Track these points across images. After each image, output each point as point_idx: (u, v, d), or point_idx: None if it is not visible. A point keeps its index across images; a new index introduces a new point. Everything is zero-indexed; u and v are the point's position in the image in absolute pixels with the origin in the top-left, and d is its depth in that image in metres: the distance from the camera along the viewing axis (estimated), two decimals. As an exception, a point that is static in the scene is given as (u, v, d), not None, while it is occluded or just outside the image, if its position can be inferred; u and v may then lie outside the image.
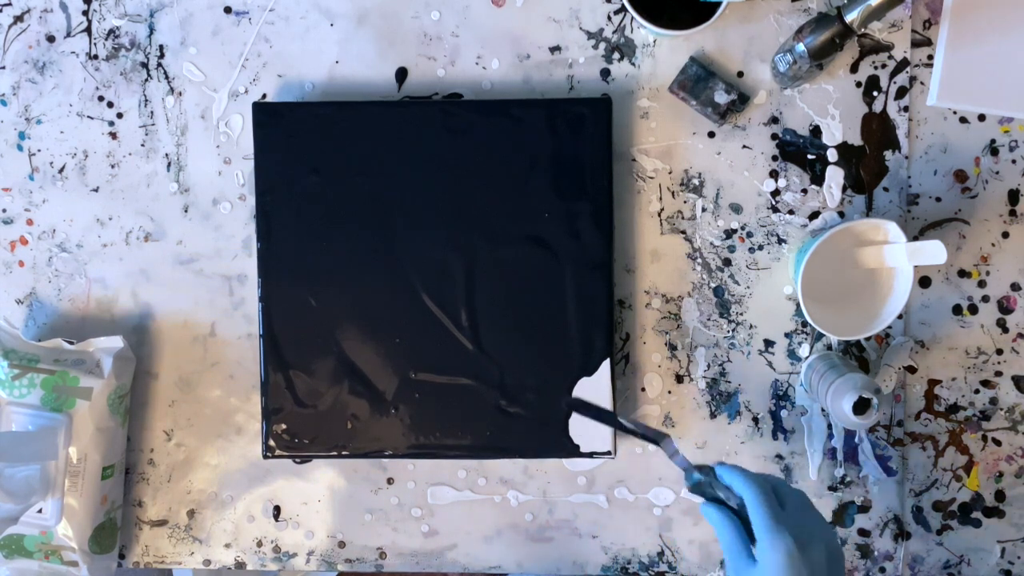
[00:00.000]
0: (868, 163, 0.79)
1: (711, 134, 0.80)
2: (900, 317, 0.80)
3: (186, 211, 0.83)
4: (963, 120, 0.79)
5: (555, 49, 0.80)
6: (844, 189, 0.80)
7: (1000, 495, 0.81)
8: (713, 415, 0.81)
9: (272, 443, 0.79)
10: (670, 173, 0.80)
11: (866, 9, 0.68)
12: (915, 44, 0.79)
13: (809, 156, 0.80)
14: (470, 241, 0.78)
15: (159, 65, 0.82)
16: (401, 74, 0.81)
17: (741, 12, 0.79)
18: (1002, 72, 0.77)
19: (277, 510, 0.84)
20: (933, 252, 0.71)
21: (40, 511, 0.77)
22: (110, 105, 0.83)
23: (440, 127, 0.77)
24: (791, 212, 0.80)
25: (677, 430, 0.81)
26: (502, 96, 0.81)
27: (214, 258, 0.83)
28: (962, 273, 0.80)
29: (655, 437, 0.66)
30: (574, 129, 0.77)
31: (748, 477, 0.62)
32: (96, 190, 0.83)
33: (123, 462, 0.83)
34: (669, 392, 0.81)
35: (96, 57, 0.82)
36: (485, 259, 0.78)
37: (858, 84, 0.79)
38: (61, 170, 0.83)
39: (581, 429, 0.78)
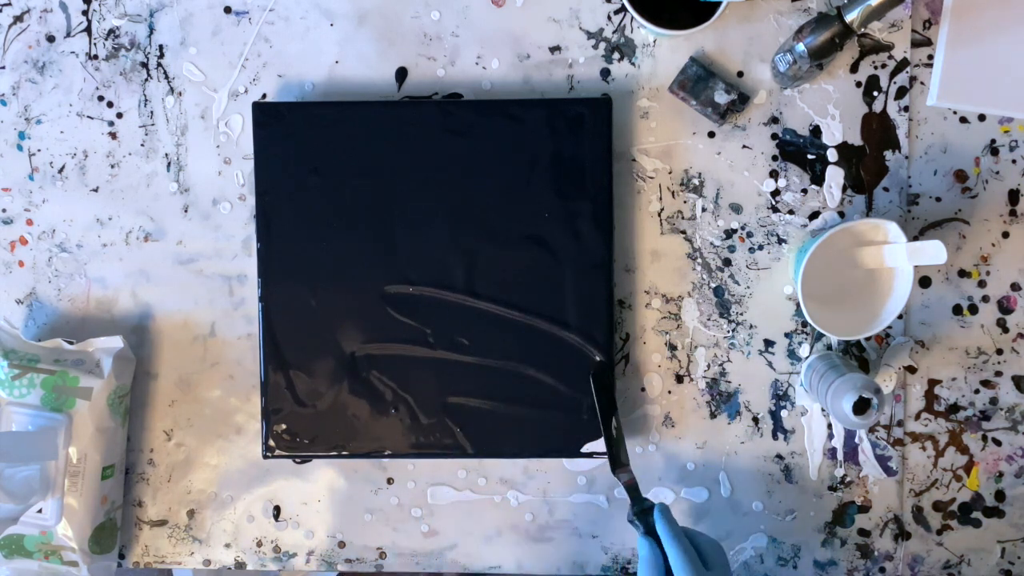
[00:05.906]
0: (868, 163, 0.79)
1: (711, 134, 0.80)
2: (900, 317, 0.80)
3: (186, 211, 0.83)
4: (963, 120, 0.79)
5: (555, 49, 0.80)
6: (844, 189, 0.80)
7: (1000, 495, 0.81)
8: (713, 415, 0.81)
9: (272, 443, 0.79)
10: (670, 173, 0.80)
11: (866, 9, 0.68)
12: (915, 44, 0.79)
13: (809, 156, 0.80)
14: (470, 241, 0.78)
15: (159, 65, 0.82)
16: (401, 74, 0.81)
17: (741, 12, 0.79)
18: (1002, 72, 0.77)
19: (277, 510, 0.84)
20: (933, 252, 0.71)
21: (40, 511, 0.77)
22: (110, 105, 0.83)
23: (440, 127, 0.77)
24: (791, 212, 0.80)
25: (677, 430, 0.81)
26: (502, 96, 0.81)
27: (214, 258, 0.83)
28: (962, 273, 0.80)
29: (617, 465, 0.75)
30: (574, 129, 0.77)
31: (674, 536, 0.68)
32: (96, 190, 0.83)
33: (123, 462, 0.83)
34: (669, 392, 0.81)
35: (96, 57, 0.82)
36: (485, 259, 0.78)
37: (858, 84, 0.79)
38: (61, 170, 0.83)
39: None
